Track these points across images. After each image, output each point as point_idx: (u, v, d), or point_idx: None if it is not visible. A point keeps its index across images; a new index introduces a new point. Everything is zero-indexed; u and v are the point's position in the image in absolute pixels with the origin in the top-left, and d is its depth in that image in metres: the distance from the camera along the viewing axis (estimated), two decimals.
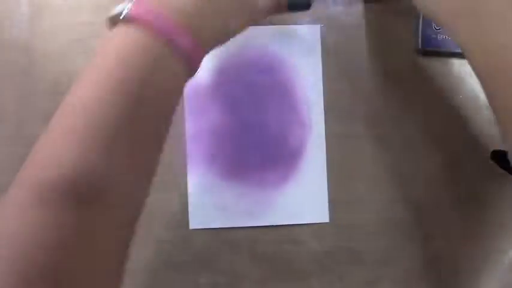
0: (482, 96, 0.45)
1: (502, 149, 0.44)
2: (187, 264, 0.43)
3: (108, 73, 0.29)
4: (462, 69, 0.45)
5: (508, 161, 0.42)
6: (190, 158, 0.43)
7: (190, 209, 0.43)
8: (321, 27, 0.45)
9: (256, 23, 0.38)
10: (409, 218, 0.44)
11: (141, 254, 0.43)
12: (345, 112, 0.44)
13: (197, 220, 0.43)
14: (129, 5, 0.30)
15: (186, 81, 0.32)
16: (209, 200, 0.43)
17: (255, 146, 0.44)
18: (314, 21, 0.45)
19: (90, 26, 0.44)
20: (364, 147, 0.44)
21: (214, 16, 0.33)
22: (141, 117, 0.29)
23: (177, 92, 0.32)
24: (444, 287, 0.45)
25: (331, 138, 0.44)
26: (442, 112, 0.45)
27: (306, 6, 0.39)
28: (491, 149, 0.44)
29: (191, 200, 0.43)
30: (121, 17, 0.30)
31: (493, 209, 0.45)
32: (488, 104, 0.45)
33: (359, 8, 0.45)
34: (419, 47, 0.44)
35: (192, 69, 0.32)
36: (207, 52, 0.33)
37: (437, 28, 0.44)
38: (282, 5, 0.38)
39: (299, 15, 0.45)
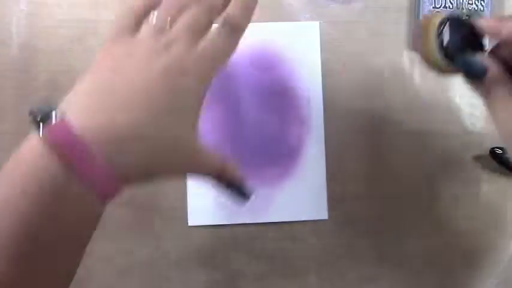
0: None
1: (500, 146, 0.44)
2: (186, 261, 0.43)
3: (11, 202, 0.27)
4: None
5: (506, 159, 0.42)
6: None
7: (189, 205, 0.43)
8: (320, 23, 0.45)
9: (195, 173, 0.35)
10: (408, 215, 0.44)
11: (139, 250, 0.43)
12: (344, 109, 0.44)
13: (196, 217, 0.43)
14: (55, 121, 0.28)
15: (101, 209, 0.30)
16: (208, 197, 0.43)
17: (254, 143, 0.44)
18: (313, 18, 0.45)
19: (88, 23, 0.44)
20: (363, 144, 0.44)
21: (140, 155, 0.30)
22: (44, 251, 0.28)
23: (90, 221, 0.30)
24: (443, 283, 0.45)
25: (330, 135, 0.44)
26: (442, 109, 0.45)
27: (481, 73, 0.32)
28: (491, 147, 0.44)
29: (190, 196, 0.43)
30: (42, 131, 0.28)
31: (492, 206, 0.45)
32: None
33: (358, 5, 0.45)
34: None
35: (106, 199, 0.30)
36: (128, 184, 0.30)
37: None
38: (224, 177, 0.36)
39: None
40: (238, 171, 0.36)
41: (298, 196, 0.44)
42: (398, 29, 0.45)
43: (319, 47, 0.44)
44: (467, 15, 0.33)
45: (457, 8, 0.44)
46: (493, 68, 0.31)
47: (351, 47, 0.45)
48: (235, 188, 0.36)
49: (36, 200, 0.27)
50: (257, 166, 0.44)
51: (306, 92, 0.44)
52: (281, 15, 0.45)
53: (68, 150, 0.28)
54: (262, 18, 0.45)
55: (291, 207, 0.44)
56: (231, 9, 0.34)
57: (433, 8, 0.44)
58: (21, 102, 0.44)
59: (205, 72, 0.33)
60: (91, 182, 0.28)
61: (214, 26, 0.33)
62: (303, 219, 0.44)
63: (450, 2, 0.44)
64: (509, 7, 0.46)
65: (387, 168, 0.44)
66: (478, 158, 0.45)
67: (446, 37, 0.32)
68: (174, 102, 0.32)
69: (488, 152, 0.44)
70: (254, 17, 0.44)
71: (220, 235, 0.43)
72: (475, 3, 0.44)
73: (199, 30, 0.33)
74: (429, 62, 0.33)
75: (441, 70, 0.33)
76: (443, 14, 0.33)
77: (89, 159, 0.28)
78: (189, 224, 0.43)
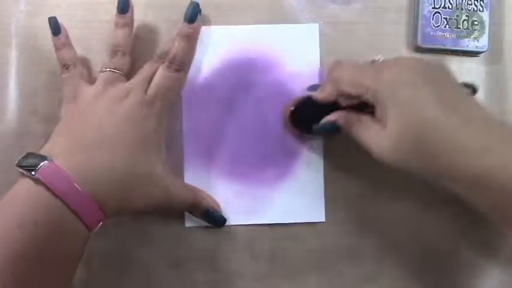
0: (479, 92, 0.45)
1: None
2: (185, 262, 0.43)
3: (8, 235, 0.31)
4: (460, 66, 0.45)
5: None
6: (187, 156, 0.43)
7: None
8: (319, 24, 0.45)
9: (170, 210, 0.41)
10: (407, 215, 0.44)
11: (138, 251, 0.43)
12: None
13: (193, 218, 0.43)
14: (43, 164, 0.33)
15: (87, 236, 0.35)
16: None
17: (252, 145, 0.44)
18: (312, 19, 0.45)
19: (87, 23, 0.44)
20: None
21: (118, 188, 0.35)
22: (37, 274, 0.31)
23: (78, 246, 0.34)
24: (443, 282, 0.44)
25: (328, 137, 0.44)
26: None
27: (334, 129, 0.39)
28: None
29: None
30: (33, 173, 0.32)
31: None
32: (485, 100, 0.46)
33: (357, 6, 0.45)
34: (418, 43, 0.44)
35: (91, 227, 0.34)
36: (108, 216, 0.35)
37: (436, 25, 0.44)
38: (199, 209, 0.41)
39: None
40: (211, 203, 0.42)
41: (295, 198, 0.44)
42: (398, 29, 0.45)
43: (318, 49, 0.44)
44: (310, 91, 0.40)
45: (457, 8, 0.44)
46: (340, 117, 0.38)
47: (351, 47, 0.45)
48: (208, 217, 0.42)
49: (32, 231, 0.31)
50: (255, 167, 0.44)
51: (304, 94, 0.44)
52: (281, 16, 0.45)
53: (58, 186, 0.32)
54: (263, 20, 0.44)
55: (288, 209, 0.44)
56: (176, 49, 0.39)
57: (433, 8, 0.44)
58: (20, 102, 0.44)
59: (161, 111, 0.39)
60: (79, 211, 0.33)
61: (160, 67, 0.39)
62: (300, 220, 0.44)
63: (449, 2, 0.44)
64: (509, 7, 0.45)
65: (385, 170, 0.44)
66: None
67: (299, 117, 0.41)
68: (141, 142, 0.37)
69: None
70: (254, 19, 0.44)
71: (218, 236, 0.43)
72: (474, 3, 0.44)
73: (151, 78, 0.39)
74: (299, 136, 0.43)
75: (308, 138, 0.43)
76: (297, 99, 0.42)
77: (76, 192, 0.33)
78: (186, 225, 0.43)
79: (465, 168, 0.32)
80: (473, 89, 0.40)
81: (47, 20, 0.40)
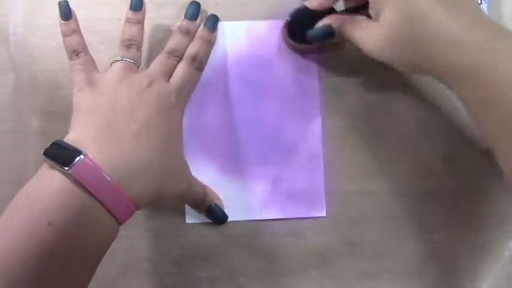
0: None
1: None
2: (186, 259, 0.44)
3: (36, 233, 0.30)
4: None
5: None
6: (188, 152, 0.43)
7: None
8: None
9: (183, 202, 0.42)
10: (408, 210, 0.44)
11: (139, 248, 0.44)
12: (342, 105, 0.44)
13: (194, 214, 0.43)
14: (78, 159, 0.31)
15: (116, 232, 0.34)
16: None
17: (253, 141, 0.44)
18: None
19: (86, 21, 0.43)
20: (362, 140, 0.44)
21: (153, 182, 0.35)
22: (64, 272, 0.31)
23: (107, 243, 0.34)
24: (443, 278, 0.45)
25: (328, 132, 0.44)
26: (440, 105, 0.45)
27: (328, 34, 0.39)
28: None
29: None
30: (66, 169, 0.31)
31: (492, 200, 0.45)
32: None
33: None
34: None
35: (122, 222, 0.34)
36: (139, 209, 0.35)
37: None
38: (203, 203, 0.41)
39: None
40: (215, 198, 0.43)
41: (296, 193, 0.44)
42: None
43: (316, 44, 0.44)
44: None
45: None
46: (333, 19, 0.39)
47: (350, 42, 0.45)
48: (212, 213, 0.42)
49: (63, 230, 0.30)
50: (255, 163, 0.44)
51: (304, 90, 0.44)
52: (279, 12, 0.44)
53: (94, 184, 0.31)
54: (261, 16, 0.44)
55: (288, 205, 0.44)
56: (197, 50, 0.41)
57: None
58: (21, 101, 0.44)
59: (182, 102, 0.40)
60: (114, 209, 0.32)
61: (182, 62, 0.40)
62: (301, 216, 0.44)
63: None
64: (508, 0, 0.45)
65: (386, 165, 0.44)
66: (476, 151, 0.45)
67: (295, 28, 0.42)
68: (170, 132, 0.37)
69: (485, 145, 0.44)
70: (252, 15, 0.44)
71: (219, 232, 0.44)
72: None
73: (170, 72, 0.40)
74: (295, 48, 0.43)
75: (304, 50, 0.43)
76: (293, 11, 0.42)
77: (110, 189, 0.32)
78: (187, 222, 0.44)
79: (455, 60, 0.32)
80: None
81: (58, 4, 0.39)
